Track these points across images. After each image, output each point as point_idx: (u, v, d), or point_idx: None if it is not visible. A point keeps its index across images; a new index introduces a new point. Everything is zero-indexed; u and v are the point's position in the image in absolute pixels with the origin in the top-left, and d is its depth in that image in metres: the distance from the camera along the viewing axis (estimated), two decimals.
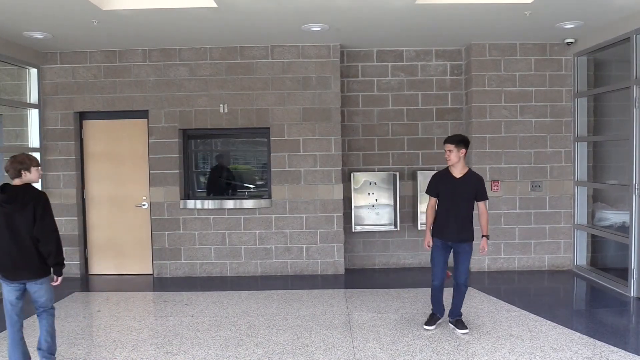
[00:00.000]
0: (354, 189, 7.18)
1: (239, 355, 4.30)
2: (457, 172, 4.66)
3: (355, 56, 7.22)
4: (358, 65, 7.24)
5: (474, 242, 4.73)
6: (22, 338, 3.86)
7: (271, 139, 6.94)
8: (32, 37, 6.07)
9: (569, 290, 6.50)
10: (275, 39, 6.67)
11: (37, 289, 3.81)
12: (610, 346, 4.33)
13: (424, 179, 6.83)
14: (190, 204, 6.98)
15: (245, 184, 7.51)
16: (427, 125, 7.26)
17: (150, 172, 6.99)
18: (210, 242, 7.01)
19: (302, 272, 7.02)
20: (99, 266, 7.24)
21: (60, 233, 3.87)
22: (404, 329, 4.83)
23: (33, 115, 6.93)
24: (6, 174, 3.80)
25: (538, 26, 6.12)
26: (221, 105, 6.91)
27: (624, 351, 4.22)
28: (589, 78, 6.93)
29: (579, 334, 4.64)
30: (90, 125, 7.16)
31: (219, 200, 7.01)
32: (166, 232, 7.01)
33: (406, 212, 7.28)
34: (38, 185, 6.16)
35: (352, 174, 7.17)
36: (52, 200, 3.93)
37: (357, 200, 7.22)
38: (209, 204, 6.98)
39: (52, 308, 3.96)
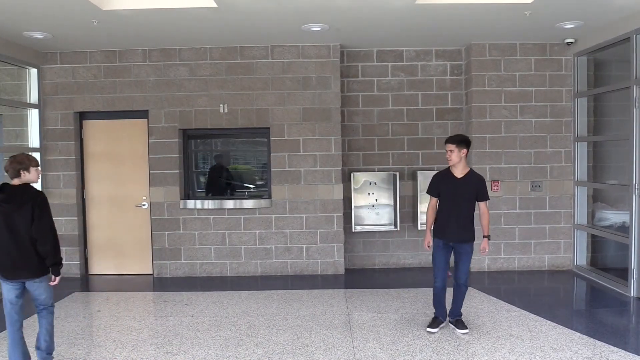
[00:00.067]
0: (354, 189, 7.18)
1: (239, 355, 4.30)
2: (459, 172, 4.65)
3: (355, 56, 7.22)
4: (358, 65, 7.24)
5: (474, 242, 4.72)
6: (22, 337, 3.86)
7: (271, 139, 6.94)
8: (32, 37, 6.07)
9: (569, 290, 6.49)
10: (275, 39, 6.67)
11: (37, 287, 3.82)
12: (610, 346, 4.33)
13: (424, 179, 6.84)
14: (190, 204, 6.98)
15: (245, 184, 7.51)
16: (427, 125, 7.26)
17: (150, 172, 6.99)
18: (210, 242, 7.01)
19: (302, 272, 7.02)
20: (99, 266, 7.24)
21: (60, 233, 3.88)
22: (404, 329, 4.83)
23: (33, 115, 6.93)
24: (6, 173, 3.81)
25: (538, 26, 6.12)
26: (221, 105, 6.91)
27: (624, 351, 4.22)
28: (589, 78, 6.93)
29: (579, 334, 4.64)
30: (90, 125, 7.16)
31: (219, 200, 7.01)
32: (166, 232, 7.01)
33: (406, 212, 7.28)
34: (38, 186, 6.15)
35: (352, 174, 7.17)
36: (52, 200, 3.93)
37: (357, 200, 7.22)
38: (209, 204, 6.98)
39: (52, 306, 3.98)
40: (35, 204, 3.70)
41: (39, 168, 3.91)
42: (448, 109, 7.27)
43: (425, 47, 7.20)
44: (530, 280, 6.69)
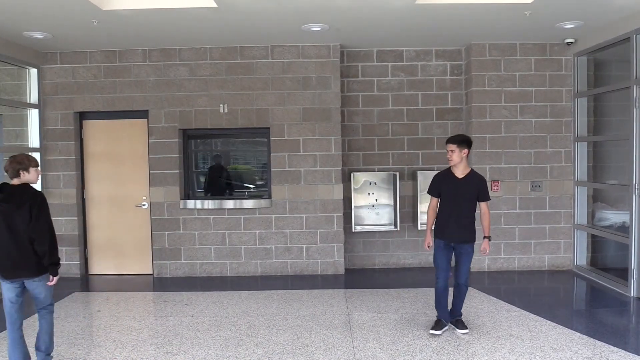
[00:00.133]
0: (354, 189, 7.18)
1: (239, 355, 4.30)
2: (459, 172, 4.64)
3: (355, 56, 7.22)
4: (358, 65, 7.24)
5: (475, 242, 4.72)
6: (22, 337, 3.86)
7: (271, 139, 6.94)
8: (32, 37, 6.07)
9: (569, 290, 6.49)
10: (275, 39, 6.67)
11: (36, 286, 3.82)
12: (610, 346, 4.33)
13: (424, 179, 6.84)
14: (190, 204, 6.98)
15: (245, 184, 7.51)
16: (427, 125, 7.26)
17: (150, 172, 6.99)
18: (210, 242, 7.01)
19: (302, 272, 7.02)
20: (99, 266, 7.24)
21: (60, 233, 3.89)
22: (404, 329, 4.83)
23: (33, 115, 6.93)
24: (5, 173, 3.81)
25: (538, 26, 6.12)
26: (221, 105, 6.91)
27: (624, 351, 4.22)
28: (589, 78, 6.93)
29: (579, 334, 4.64)
30: (90, 125, 7.16)
31: (219, 200, 7.01)
32: (166, 232, 7.01)
33: (406, 212, 7.28)
34: (37, 186, 6.15)
35: (352, 174, 7.17)
36: (52, 200, 3.94)
37: (357, 200, 7.22)
38: (209, 204, 6.98)
39: (51, 305, 3.98)
40: (34, 203, 3.70)
41: (39, 168, 3.91)
42: (448, 109, 7.27)
43: (425, 47, 7.20)
44: (530, 280, 6.69)
